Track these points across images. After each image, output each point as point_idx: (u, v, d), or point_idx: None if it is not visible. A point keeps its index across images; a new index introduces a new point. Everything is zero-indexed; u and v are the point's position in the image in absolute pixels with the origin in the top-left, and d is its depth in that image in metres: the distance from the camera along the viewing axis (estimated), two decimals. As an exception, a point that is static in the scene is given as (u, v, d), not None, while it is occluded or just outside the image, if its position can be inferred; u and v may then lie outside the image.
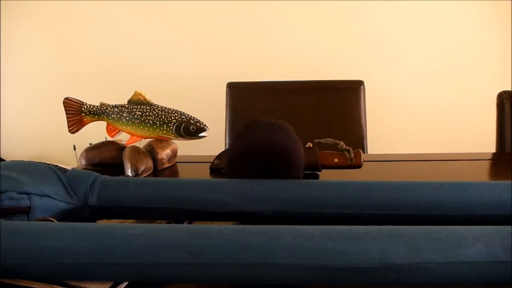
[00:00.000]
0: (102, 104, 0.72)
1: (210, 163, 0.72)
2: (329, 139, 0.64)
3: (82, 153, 0.75)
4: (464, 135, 1.87)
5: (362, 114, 1.21)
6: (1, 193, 0.40)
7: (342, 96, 1.24)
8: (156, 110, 0.70)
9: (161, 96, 0.93)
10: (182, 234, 0.34)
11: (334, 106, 1.23)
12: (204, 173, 0.71)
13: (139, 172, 0.68)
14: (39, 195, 0.43)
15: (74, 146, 1.98)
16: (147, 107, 0.70)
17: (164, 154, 0.74)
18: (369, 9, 1.85)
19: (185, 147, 0.83)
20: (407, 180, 0.47)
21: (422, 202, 0.44)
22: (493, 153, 0.99)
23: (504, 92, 1.07)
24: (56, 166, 0.47)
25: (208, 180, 0.50)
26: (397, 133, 1.94)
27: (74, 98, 0.73)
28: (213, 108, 1.49)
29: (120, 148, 0.73)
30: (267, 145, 0.51)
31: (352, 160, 0.64)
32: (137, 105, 0.71)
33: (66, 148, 1.96)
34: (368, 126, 1.22)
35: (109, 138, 0.75)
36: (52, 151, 2.12)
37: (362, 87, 1.22)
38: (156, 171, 0.73)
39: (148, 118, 0.70)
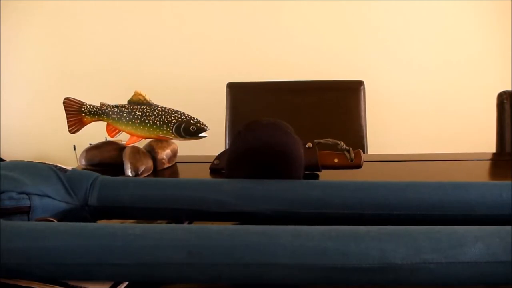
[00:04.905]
0: (102, 104, 0.72)
1: (210, 163, 0.72)
2: (329, 139, 0.64)
3: (82, 153, 0.75)
4: (464, 135, 1.87)
5: (362, 114, 1.21)
6: (1, 193, 0.40)
7: (342, 96, 1.24)
8: (156, 110, 0.70)
9: (161, 96, 0.93)
10: (182, 234, 0.34)
11: (334, 106, 1.23)
12: (204, 173, 0.71)
13: (139, 172, 0.68)
14: (39, 195, 0.43)
15: (74, 146, 1.98)
16: (147, 107, 0.70)
17: (164, 154, 0.74)
18: (369, 9, 1.85)
19: (185, 147, 0.83)
20: (407, 180, 0.47)
21: (422, 202, 0.44)
22: (493, 153, 0.99)
23: (504, 92, 1.07)
24: (56, 166, 0.47)
25: (208, 180, 0.50)
26: (397, 133, 1.94)
27: (74, 98, 0.73)
28: (213, 108, 1.49)
29: (120, 148, 0.73)
30: (267, 145, 0.51)
31: (352, 160, 0.63)
32: (137, 105, 0.71)
33: (66, 148, 1.96)
34: (368, 126, 1.22)
35: (109, 138, 0.75)
36: (52, 151, 2.12)
37: (362, 87, 1.22)
38: (156, 171, 0.73)
39: (148, 118, 0.70)
